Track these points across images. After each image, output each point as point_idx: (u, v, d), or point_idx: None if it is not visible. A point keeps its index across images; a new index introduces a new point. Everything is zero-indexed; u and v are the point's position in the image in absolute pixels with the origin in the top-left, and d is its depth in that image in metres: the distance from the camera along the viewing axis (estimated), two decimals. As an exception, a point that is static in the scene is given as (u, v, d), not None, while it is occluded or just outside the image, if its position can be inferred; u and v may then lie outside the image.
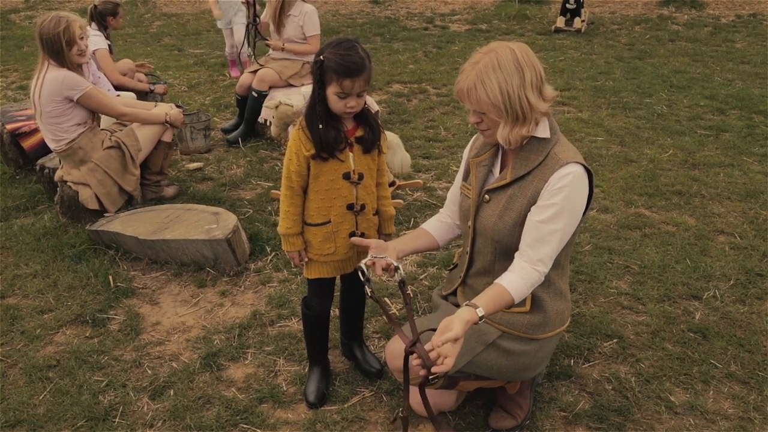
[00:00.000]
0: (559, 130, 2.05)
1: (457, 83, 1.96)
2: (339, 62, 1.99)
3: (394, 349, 2.16)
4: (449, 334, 1.79)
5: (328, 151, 2.12)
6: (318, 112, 2.09)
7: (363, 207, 2.24)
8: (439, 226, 2.32)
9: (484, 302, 1.89)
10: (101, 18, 4.92)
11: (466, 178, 2.20)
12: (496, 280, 1.97)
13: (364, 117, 2.19)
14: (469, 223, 2.12)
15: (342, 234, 2.25)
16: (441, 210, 2.36)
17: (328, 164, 2.15)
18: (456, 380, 2.18)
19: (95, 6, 4.94)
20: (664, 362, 2.65)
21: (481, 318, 1.87)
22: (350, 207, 2.22)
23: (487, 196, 2.07)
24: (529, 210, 1.97)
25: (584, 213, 2.05)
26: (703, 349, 2.73)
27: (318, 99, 2.09)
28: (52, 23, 3.51)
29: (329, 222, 2.23)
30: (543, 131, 1.98)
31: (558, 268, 2.11)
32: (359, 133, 2.18)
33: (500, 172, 2.10)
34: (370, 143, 2.20)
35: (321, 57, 2.03)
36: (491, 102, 1.89)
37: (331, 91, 2.04)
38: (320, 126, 2.09)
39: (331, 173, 2.16)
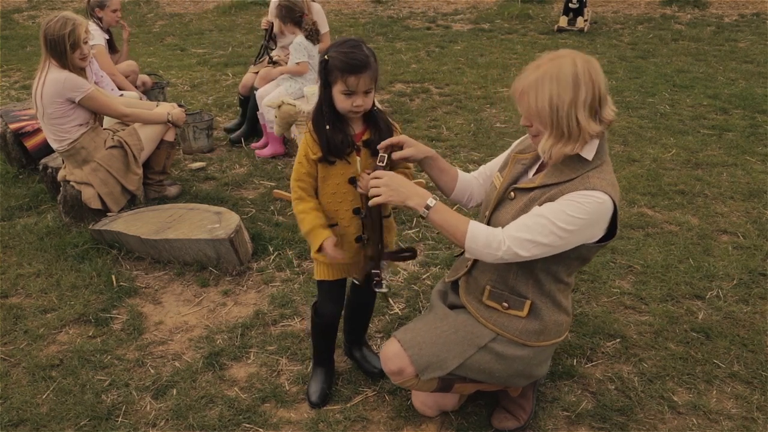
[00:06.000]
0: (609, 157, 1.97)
1: (516, 82, 1.91)
2: (342, 60, 1.97)
3: (387, 353, 2.16)
4: (383, 179, 1.98)
5: (335, 154, 2.09)
6: (324, 113, 2.08)
7: None
8: (467, 178, 2.30)
9: (441, 203, 1.98)
10: (92, 12, 4.93)
11: (502, 168, 2.18)
12: None
13: (373, 119, 2.15)
14: (486, 213, 2.11)
15: (348, 238, 2.23)
16: (478, 169, 2.36)
17: (335, 168, 2.13)
18: (450, 382, 2.18)
19: (89, 1, 4.96)
20: (666, 362, 2.65)
21: (427, 206, 1.96)
22: (357, 211, 2.19)
23: (512, 194, 2.04)
24: None
25: (602, 243, 1.98)
26: (706, 348, 2.72)
27: (324, 99, 2.07)
28: (58, 24, 3.51)
29: (336, 225, 2.21)
30: (588, 152, 1.90)
31: (560, 283, 2.08)
32: (366, 136, 2.14)
33: (534, 175, 2.07)
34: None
35: (326, 56, 2.02)
36: (537, 112, 1.85)
37: (337, 90, 2.02)
38: (327, 127, 2.07)
39: (337, 177, 2.15)
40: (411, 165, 2.26)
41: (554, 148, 1.87)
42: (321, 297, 2.41)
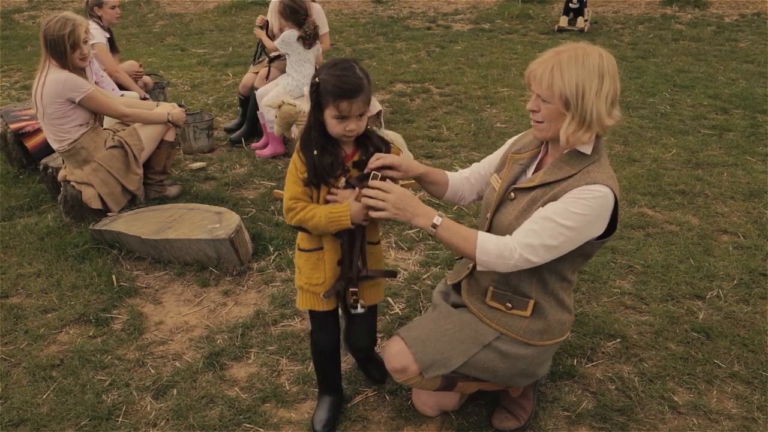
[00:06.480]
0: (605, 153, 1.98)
1: (532, 64, 1.91)
2: (335, 83, 1.87)
3: (391, 351, 2.15)
4: (391, 195, 1.94)
5: (321, 179, 2.00)
6: (313, 137, 1.97)
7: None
8: (456, 181, 2.29)
9: (447, 220, 1.96)
10: (91, 11, 4.93)
11: (499, 170, 2.17)
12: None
13: (366, 140, 2.06)
14: (488, 215, 2.11)
15: (330, 264, 2.12)
16: (470, 167, 2.34)
17: (322, 191, 2.04)
18: (454, 381, 2.18)
19: (87, 0, 4.96)
20: (667, 362, 2.65)
21: (434, 224, 1.94)
22: (339, 235, 2.07)
23: (512, 194, 2.04)
24: None
25: (604, 238, 1.99)
26: (707, 348, 2.72)
27: (314, 123, 1.97)
28: (58, 24, 3.51)
29: (321, 248, 2.12)
30: (586, 147, 1.93)
31: (564, 281, 2.09)
32: (357, 158, 2.05)
33: (533, 174, 2.07)
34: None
35: (317, 79, 1.92)
36: (560, 92, 1.83)
37: (329, 115, 1.92)
38: (315, 152, 1.97)
39: (323, 199, 2.05)
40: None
41: (574, 134, 1.87)
42: (314, 327, 2.31)
